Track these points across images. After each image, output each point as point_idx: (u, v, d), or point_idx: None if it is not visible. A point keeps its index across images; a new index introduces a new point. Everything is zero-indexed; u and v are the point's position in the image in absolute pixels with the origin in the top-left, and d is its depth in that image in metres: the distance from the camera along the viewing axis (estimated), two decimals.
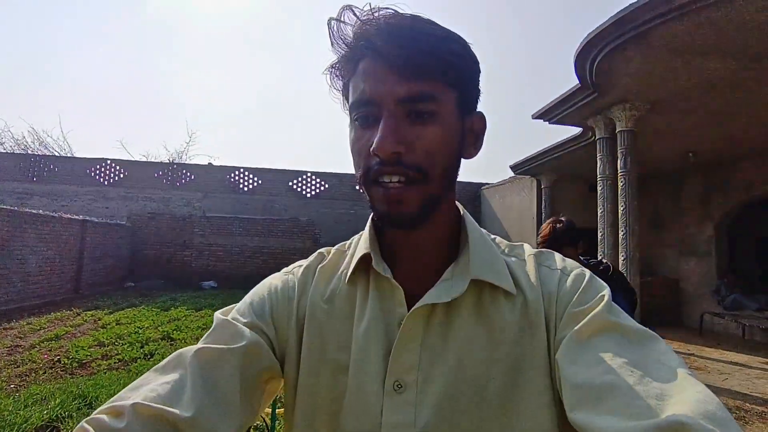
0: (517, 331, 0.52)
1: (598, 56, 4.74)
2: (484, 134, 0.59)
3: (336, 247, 0.66)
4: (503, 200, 13.58)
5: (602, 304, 0.49)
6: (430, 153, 0.49)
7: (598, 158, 6.55)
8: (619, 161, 5.99)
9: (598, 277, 0.55)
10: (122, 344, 5.99)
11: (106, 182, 14.12)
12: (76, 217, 10.61)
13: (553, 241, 2.10)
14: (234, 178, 14.45)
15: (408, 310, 0.53)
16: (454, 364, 0.52)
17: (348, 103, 0.54)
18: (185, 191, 14.21)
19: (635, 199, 5.95)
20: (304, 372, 0.56)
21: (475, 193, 15.56)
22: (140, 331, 6.73)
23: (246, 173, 14.46)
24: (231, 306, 0.60)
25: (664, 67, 4.75)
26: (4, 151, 17.67)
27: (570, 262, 0.58)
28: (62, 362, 5.10)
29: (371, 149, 0.48)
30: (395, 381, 0.52)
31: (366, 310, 0.56)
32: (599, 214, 6.45)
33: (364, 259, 0.58)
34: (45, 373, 4.76)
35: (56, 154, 18.75)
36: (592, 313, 0.48)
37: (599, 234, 6.39)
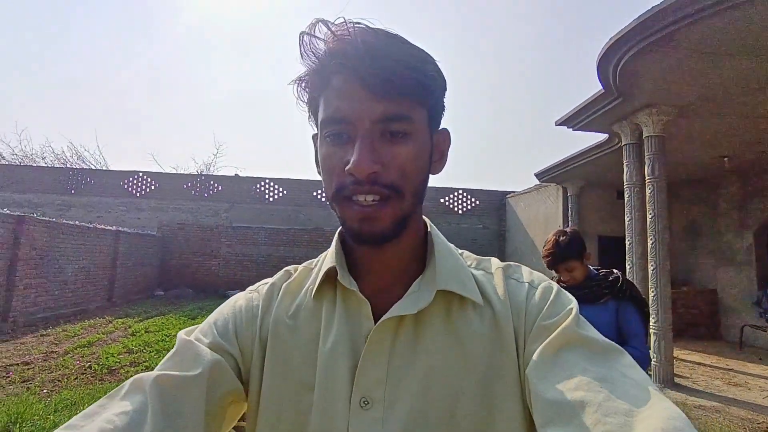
0: (487, 343, 0.52)
1: (621, 60, 4.62)
2: (448, 150, 0.60)
3: (303, 264, 0.65)
4: (528, 208, 13.34)
5: (570, 317, 0.49)
6: (404, 171, 0.50)
7: (624, 165, 6.36)
8: (646, 168, 5.79)
9: (565, 291, 0.56)
10: (150, 351, 6.16)
11: (138, 194, 14.61)
12: (110, 227, 11.01)
13: (558, 254, 2.06)
14: (259, 188, 14.71)
15: (375, 324, 0.53)
16: (423, 377, 0.51)
17: (317, 118, 0.54)
18: (213, 202, 14.56)
19: (665, 206, 5.73)
20: (267, 392, 0.54)
21: (499, 201, 15.37)
22: (167, 339, 6.90)
23: (271, 183, 14.70)
24: (195, 326, 0.58)
25: (692, 70, 4.60)
26: (46, 165, 18.57)
27: (537, 275, 0.58)
28: (93, 368, 5.27)
29: (347, 168, 0.48)
30: (362, 397, 0.50)
31: (332, 325, 0.55)
32: (627, 223, 6.25)
33: (330, 274, 0.57)
34: (76, 378, 4.93)
35: (92, 167, 19.56)
36: (561, 327, 0.48)
37: (627, 242, 6.19)
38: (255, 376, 0.56)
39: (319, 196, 14.57)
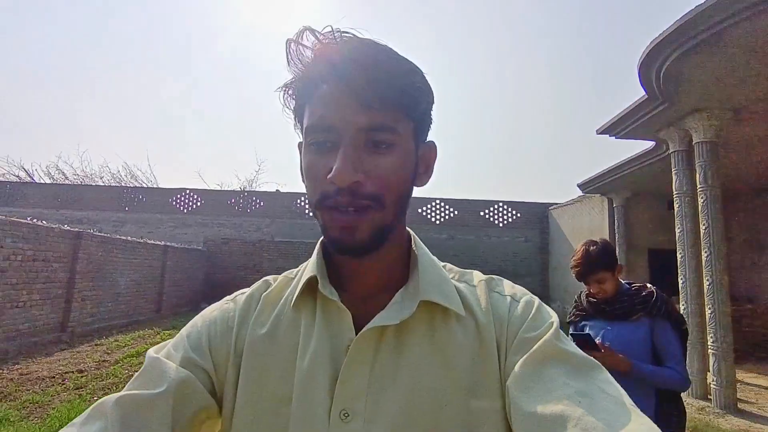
0: (470, 354, 0.52)
1: (665, 63, 4.42)
2: (434, 163, 0.59)
3: (283, 274, 0.64)
4: (572, 221, 12.88)
5: (551, 330, 0.50)
6: (386, 182, 0.49)
7: (673, 173, 6.03)
8: (698, 176, 5.45)
9: (546, 306, 0.56)
10: None
11: (185, 210, 15.29)
12: (159, 242, 11.54)
13: (588, 265, 1.94)
14: (300, 203, 15.04)
15: (357, 335, 0.52)
16: (406, 388, 0.49)
17: (302, 125, 0.54)
18: (255, 217, 15.00)
19: (720, 216, 5.35)
20: (241, 407, 0.52)
21: (542, 213, 14.94)
22: None
23: (307, 199, 15.02)
24: (167, 341, 0.56)
25: (743, 69, 4.33)
26: (103, 184, 19.84)
27: (519, 288, 0.58)
28: None
29: (329, 177, 0.47)
30: (342, 410, 0.49)
31: (312, 336, 0.53)
32: (677, 234, 5.89)
33: (311, 283, 0.56)
34: (124, 386, 5.14)
35: (144, 185, 20.72)
36: (542, 340, 0.49)
37: (679, 255, 5.83)
38: (229, 391, 0.54)
39: None
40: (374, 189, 0.48)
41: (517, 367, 0.47)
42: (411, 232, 0.61)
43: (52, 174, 21.27)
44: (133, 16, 41.80)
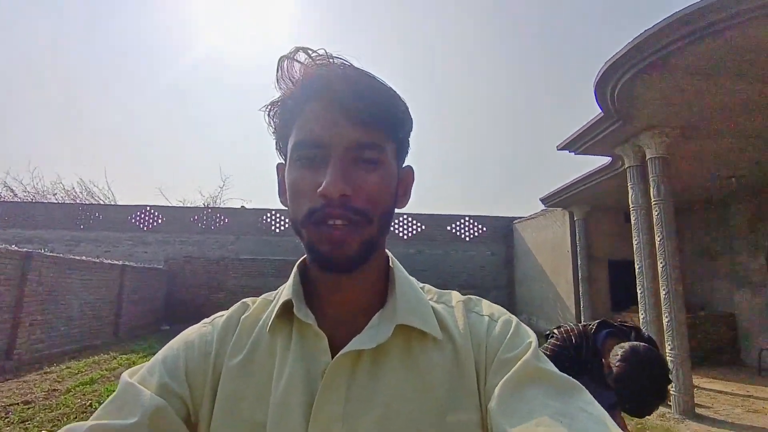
0: (447, 377, 0.51)
1: (619, 83, 4.64)
2: (412, 186, 0.62)
3: (263, 296, 0.63)
4: (536, 234, 13.22)
5: (530, 351, 0.50)
6: (373, 198, 0.51)
7: (629, 187, 6.30)
8: (652, 189, 5.72)
9: (524, 325, 0.56)
10: None
11: (145, 227, 14.73)
12: (116, 262, 11.02)
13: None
14: (265, 220, 14.78)
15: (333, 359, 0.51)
16: (382, 414, 0.49)
17: (286, 144, 0.55)
18: (219, 234, 14.61)
19: (673, 228, 5.62)
20: None
21: (507, 227, 15.26)
22: None
23: (277, 215, 14.77)
24: (142, 365, 0.55)
25: (690, 91, 4.60)
26: (56, 201, 18.89)
27: (497, 308, 0.58)
28: (93, 407, 5.17)
29: (319, 190, 0.48)
30: None
31: (287, 360, 0.53)
32: (635, 246, 6.14)
33: (287, 307, 0.56)
34: (76, 417, 4.82)
35: (101, 202, 19.86)
36: (522, 361, 0.49)
37: (637, 266, 6.06)
38: (204, 419, 0.52)
39: None
40: (362, 204, 0.50)
41: (497, 390, 0.47)
42: (389, 254, 0.62)
43: (0, 192, 20.10)
44: (90, 29, 40.53)
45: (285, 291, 0.58)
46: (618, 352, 1.40)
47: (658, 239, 5.67)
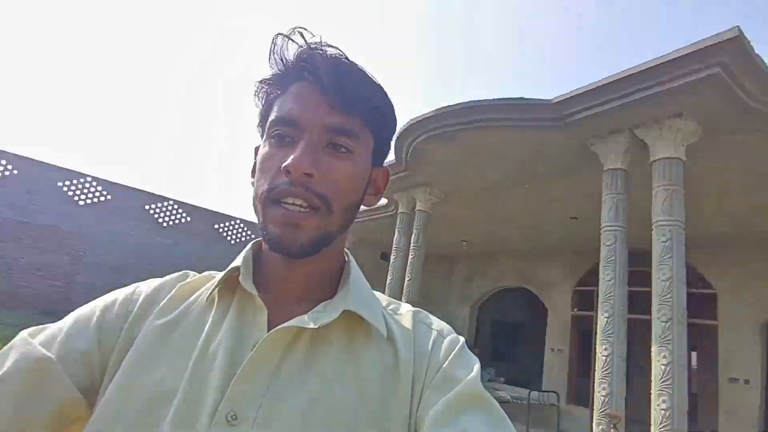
0: (383, 381, 0.49)
1: (415, 141, 5.41)
2: (385, 188, 0.61)
3: (206, 272, 0.60)
4: None
5: (473, 374, 0.49)
6: (338, 185, 0.49)
7: (396, 230, 7.25)
8: (413, 236, 6.74)
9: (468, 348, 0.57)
10: None
11: None
12: None
13: None
14: None
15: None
16: (308, 400, 0.45)
17: (267, 119, 0.53)
18: None
19: (419, 272, 6.71)
20: (110, 397, 0.45)
21: None
22: None
23: None
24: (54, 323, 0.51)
25: (461, 165, 5.71)
26: None
27: (446, 326, 0.58)
28: None
29: (283, 165, 0.47)
30: (230, 411, 0.43)
31: (219, 329, 0.49)
32: (388, 282, 7.03)
33: (231, 276, 0.53)
34: None
35: None
36: (465, 382, 0.48)
37: (384, 302, 6.91)
38: (107, 381, 0.47)
39: (65, 189, 11.68)
40: (324, 190, 0.48)
41: (434, 410, 0.46)
42: (348, 253, 0.60)
43: None
44: None
45: (235, 262, 0.54)
46: None
47: (407, 279, 6.68)
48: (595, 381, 3.87)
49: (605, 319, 3.89)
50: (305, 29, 0.51)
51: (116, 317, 0.52)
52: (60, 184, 11.66)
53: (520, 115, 4.46)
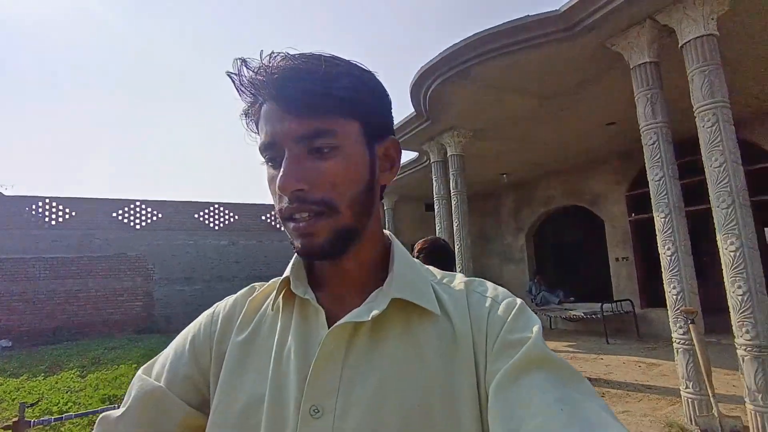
0: (446, 356, 0.51)
1: (430, 88, 5.29)
2: (399, 159, 0.60)
3: (273, 279, 0.63)
4: None
5: (534, 336, 0.48)
6: (334, 186, 0.50)
7: (433, 179, 7.25)
8: (451, 182, 6.71)
9: (529, 308, 0.55)
10: None
11: None
12: None
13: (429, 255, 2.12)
14: (37, 210, 11.91)
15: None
16: (379, 385, 0.49)
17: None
18: None
19: (466, 215, 6.73)
20: (215, 409, 0.54)
21: None
22: None
23: (53, 204, 12.06)
24: (161, 353, 0.61)
25: (482, 100, 5.55)
26: None
27: (502, 290, 0.57)
28: None
29: (276, 189, 0.50)
30: (312, 406, 0.48)
31: (288, 335, 0.55)
32: (437, 231, 7.10)
33: (287, 285, 0.58)
34: None
35: None
36: (526, 346, 0.47)
37: None
38: (212, 396, 0.56)
39: (120, 218, 12.55)
40: (321, 194, 0.50)
41: (499, 376, 0.46)
42: (389, 233, 0.63)
43: None
44: None
45: (287, 270, 0.59)
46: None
47: (456, 225, 6.72)
48: (664, 281, 3.84)
49: (662, 219, 3.79)
50: (245, 59, 0.52)
51: (204, 339, 0.60)
52: (114, 214, 12.45)
53: (528, 34, 4.23)
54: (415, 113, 6.22)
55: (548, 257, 11.39)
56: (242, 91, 0.53)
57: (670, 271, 3.77)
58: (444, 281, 0.59)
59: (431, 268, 0.63)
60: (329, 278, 0.58)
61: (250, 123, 0.57)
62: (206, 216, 13.83)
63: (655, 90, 3.82)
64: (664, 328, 7.33)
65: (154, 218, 13.01)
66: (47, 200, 11.94)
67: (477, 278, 0.60)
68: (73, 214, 12.07)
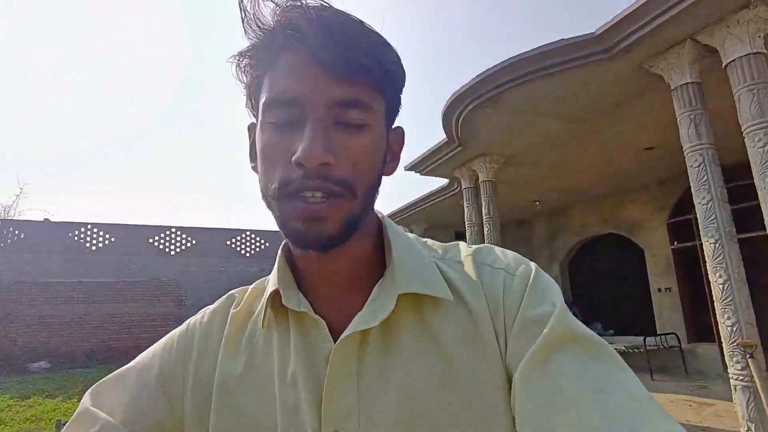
0: (466, 341, 0.45)
1: (462, 113, 5.29)
2: (401, 150, 0.54)
3: (254, 284, 0.56)
4: None
5: (557, 309, 0.44)
6: (358, 166, 0.43)
7: (464, 206, 7.16)
8: (483, 209, 6.61)
9: (545, 273, 0.50)
10: None
11: None
12: None
13: None
14: (78, 235, 12.44)
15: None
16: (400, 393, 0.44)
17: (258, 99, 0.46)
18: (11, 252, 11.76)
19: (499, 243, 6.57)
20: None
21: None
22: None
23: (94, 230, 12.58)
24: (115, 373, 0.53)
25: (514, 125, 5.50)
26: None
27: (512, 256, 0.51)
28: None
29: (294, 158, 0.41)
30: (333, 431, 0.43)
31: (289, 356, 0.47)
32: None
33: (277, 297, 0.50)
34: None
35: None
36: (549, 325, 0.42)
37: None
38: (193, 429, 0.49)
39: (156, 243, 12.93)
40: (344, 174, 0.42)
41: (523, 361, 0.42)
42: (381, 214, 0.54)
43: None
44: None
45: (271, 279, 0.51)
46: None
47: None
48: (717, 312, 3.59)
49: (712, 245, 3.59)
50: None
51: (176, 363, 0.52)
52: (150, 240, 12.84)
53: (563, 57, 4.21)
54: (446, 139, 6.21)
55: (585, 288, 10.97)
56: (255, 25, 0.44)
57: (723, 300, 3.53)
58: (448, 256, 0.52)
59: (429, 240, 0.56)
60: (320, 278, 0.50)
61: (246, 69, 0.47)
62: (237, 243, 14.09)
63: (698, 111, 3.70)
64: (714, 364, 6.87)
65: (188, 244, 13.33)
66: (89, 226, 12.45)
67: (484, 246, 0.54)
68: (113, 240, 12.52)
